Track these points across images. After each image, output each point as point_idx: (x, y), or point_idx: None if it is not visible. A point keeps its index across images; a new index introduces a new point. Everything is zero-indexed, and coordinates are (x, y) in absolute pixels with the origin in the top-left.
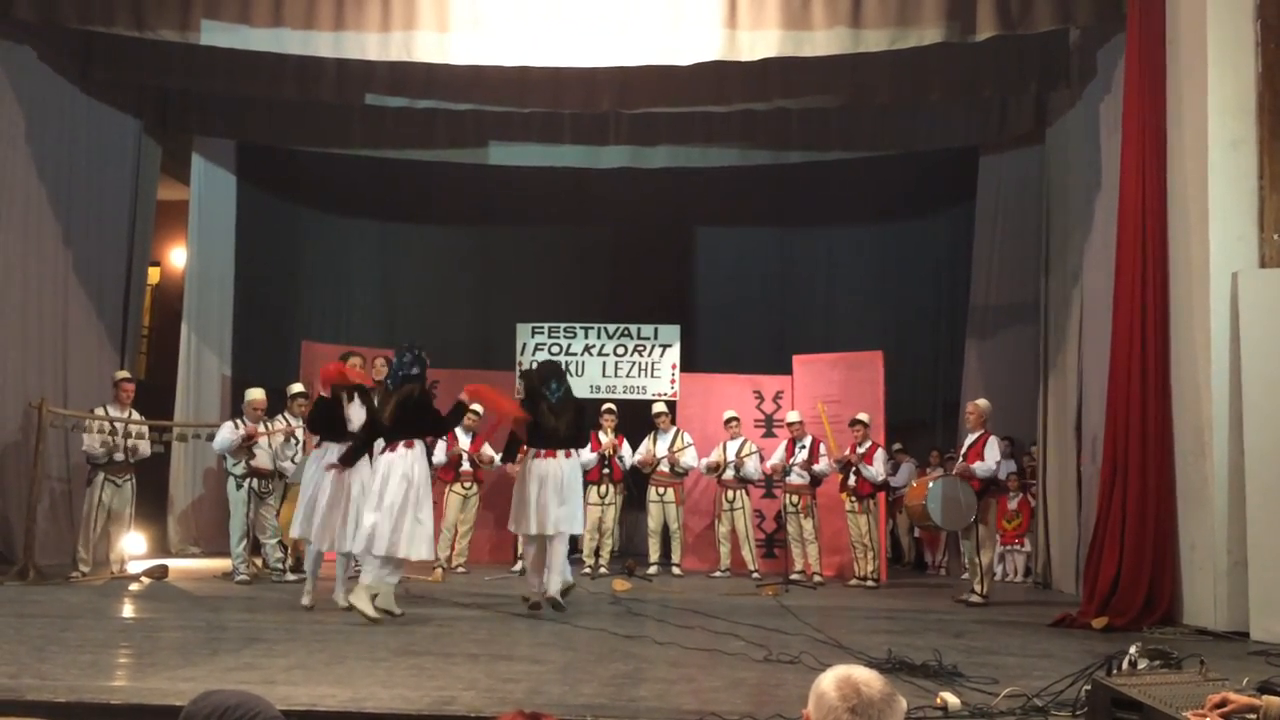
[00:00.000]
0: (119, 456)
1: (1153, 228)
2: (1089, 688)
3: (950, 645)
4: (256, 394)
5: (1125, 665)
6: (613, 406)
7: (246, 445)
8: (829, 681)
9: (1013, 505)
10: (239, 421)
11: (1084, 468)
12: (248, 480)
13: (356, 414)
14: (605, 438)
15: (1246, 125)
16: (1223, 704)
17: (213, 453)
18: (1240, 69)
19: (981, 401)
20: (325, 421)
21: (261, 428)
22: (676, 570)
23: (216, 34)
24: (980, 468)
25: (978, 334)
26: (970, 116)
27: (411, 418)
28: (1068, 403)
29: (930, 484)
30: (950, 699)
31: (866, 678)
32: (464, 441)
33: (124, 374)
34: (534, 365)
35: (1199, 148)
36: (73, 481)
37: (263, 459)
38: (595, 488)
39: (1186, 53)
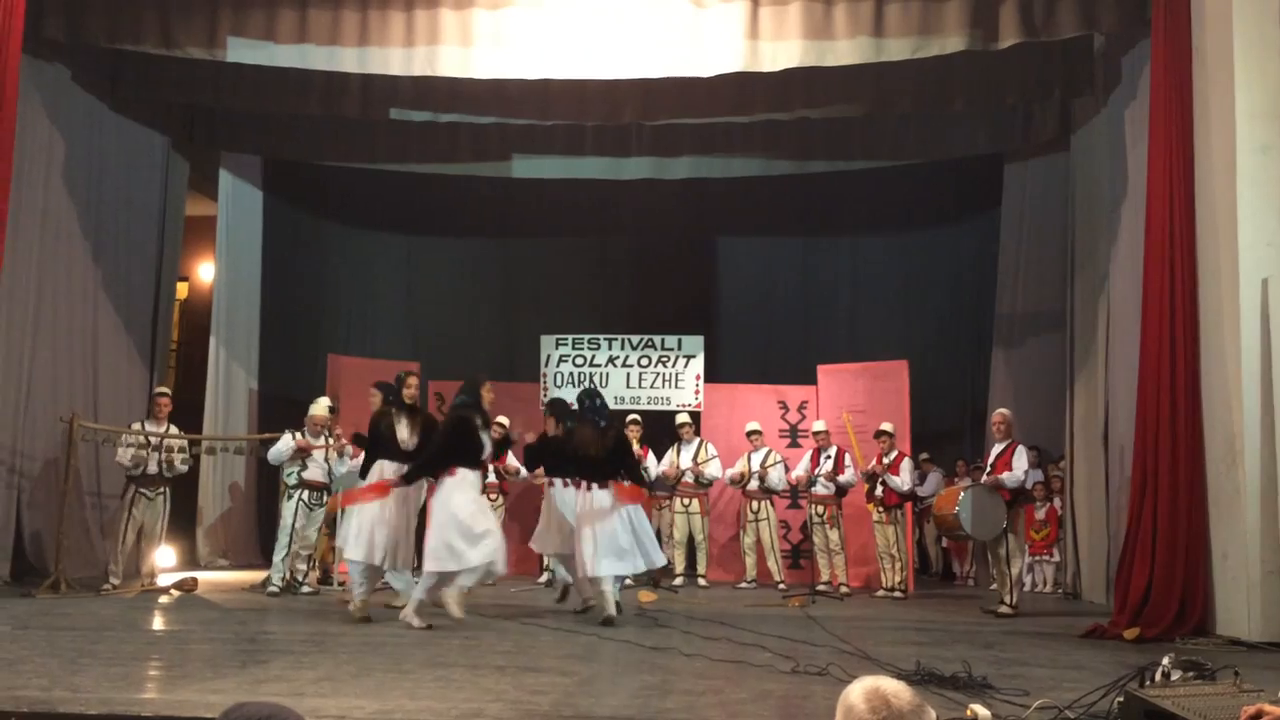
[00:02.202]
0: (152, 470)
1: (1181, 235)
2: (1122, 699)
3: (980, 656)
4: (320, 410)
5: (1158, 677)
6: (637, 417)
7: (300, 457)
8: (857, 694)
9: (1040, 515)
10: (296, 434)
11: (1112, 477)
12: (299, 492)
13: (405, 433)
14: None
15: (1275, 130)
16: (1258, 716)
17: (241, 467)
18: (1268, 73)
19: (1005, 410)
20: (376, 440)
21: (321, 441)
22: (702, 581)
23: (243, 51)
24: (1009, 478)
25: (1004, 343)
26: (994, 124)
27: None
28: (1096, 412)
29: (960, 493)
30: (980, 711)
31: (895, 689)
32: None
33: (161, 389)
34: (585, 396)
35: (1227, 153)
36: (103, 495)
37: (314, 471)
38: None
39: (1213, 58)
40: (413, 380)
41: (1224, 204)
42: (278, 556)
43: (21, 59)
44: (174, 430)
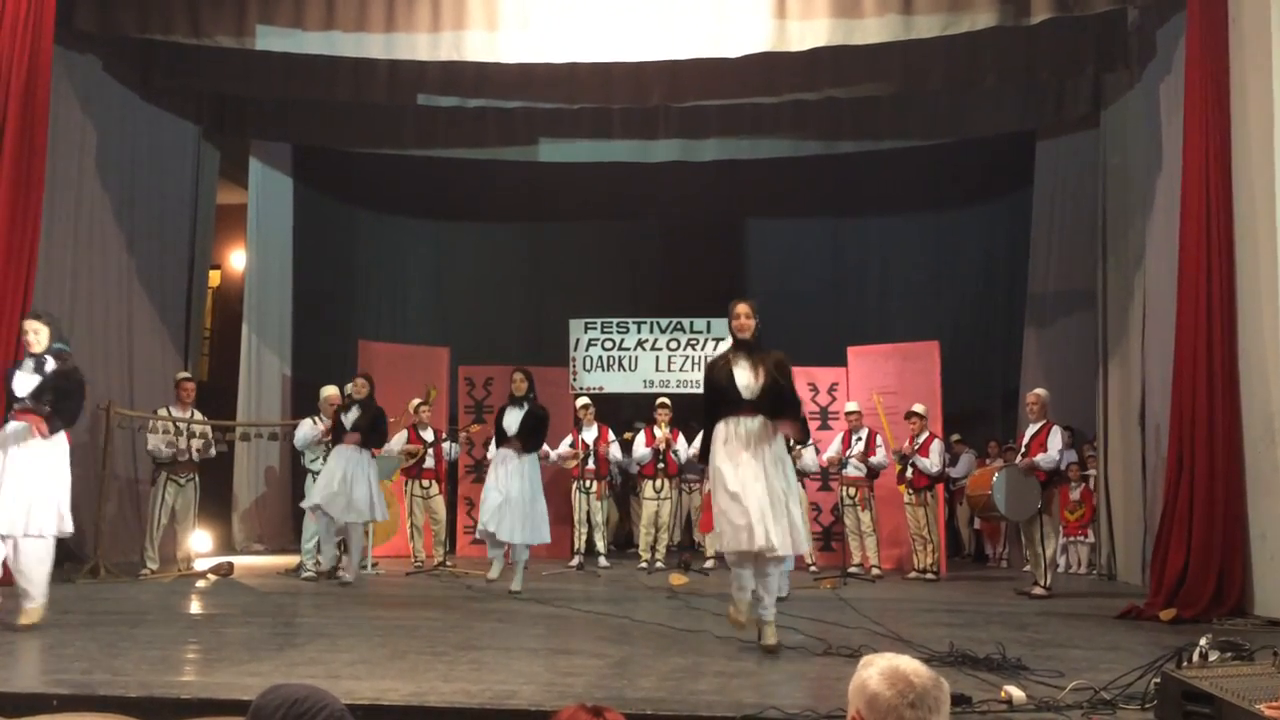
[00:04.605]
0: (182, 456)
1: (1217, 210)
2: (1158, 681)
3: (1014, 638)
4: (331, 390)
5: (1195, 657)
6: (667, 401)
7: (323, 441)
8: (876, 682)
9: (1075, 495)
10: (316, 419)
11: (1148, 457)
12: None
13: (746, 377)
14: (660, 432)
15: None
16: None
17: (274, 452)
18: None
19: (1041, 390)
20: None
21: None
22: None
23: (271, 38)
24: (1044, 459)
25: (1036, 322)
26: (1026, 101)
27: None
28: (1131, 391)
29: (995, 474)
30: (1015, 693)
31: (913, 667)
32: None
33: (184, 374)
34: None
35: (1264, 126)
36: (140, 481)
37: None
38: (651, 482)
39: (1250, 30)
40: (741, 308)
41: (1261, 179)
42: (308, 543)
43: (54, 50)
44: (198, 416)
